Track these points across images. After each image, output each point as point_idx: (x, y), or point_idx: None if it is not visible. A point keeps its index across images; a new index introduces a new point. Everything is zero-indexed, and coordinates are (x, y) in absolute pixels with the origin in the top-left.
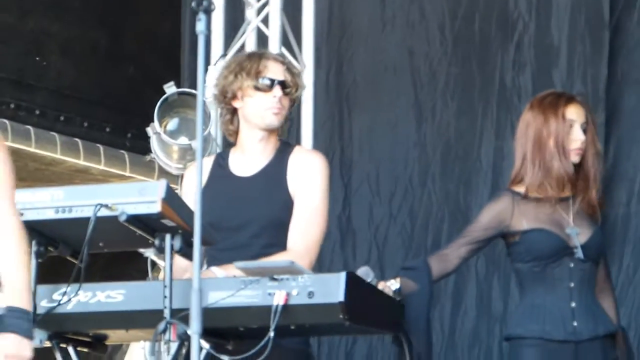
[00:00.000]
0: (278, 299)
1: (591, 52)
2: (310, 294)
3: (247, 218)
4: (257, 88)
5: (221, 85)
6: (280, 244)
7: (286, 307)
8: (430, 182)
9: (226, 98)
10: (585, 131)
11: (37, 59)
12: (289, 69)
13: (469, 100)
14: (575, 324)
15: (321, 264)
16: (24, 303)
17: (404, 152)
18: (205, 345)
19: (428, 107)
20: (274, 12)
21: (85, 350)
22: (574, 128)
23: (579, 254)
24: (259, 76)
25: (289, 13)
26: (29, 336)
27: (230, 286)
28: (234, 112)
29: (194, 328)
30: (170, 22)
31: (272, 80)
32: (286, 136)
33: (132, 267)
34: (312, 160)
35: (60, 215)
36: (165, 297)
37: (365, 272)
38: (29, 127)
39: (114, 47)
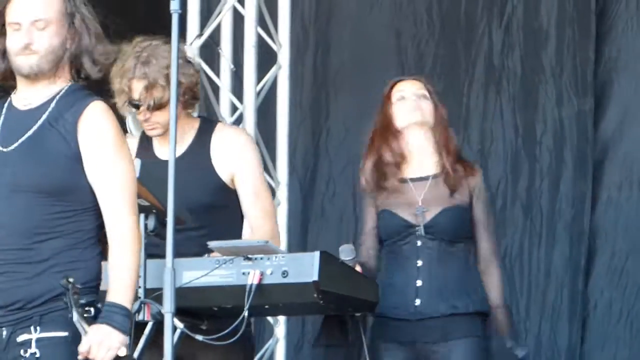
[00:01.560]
0: (252, 278)
1: (579, 36)
2: (285, 273)
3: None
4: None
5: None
6: (210, 226)
7: (260, 287)
8: None
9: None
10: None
11: None
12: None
13: (455, 81)
14: (417, 302)
15: (306, 244)
16: (125, 300)
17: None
18: (179, 325)
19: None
20: None
21: None
22: (403, 97)
23: (421, 231)
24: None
25: None
26: (122, 330)
27: (205, 266)
28: None
29: (167, 307)
30: (146, 3)
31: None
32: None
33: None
34: (239, 139)
35: None
36: (139, 276)
37: (347, 250)
38: None
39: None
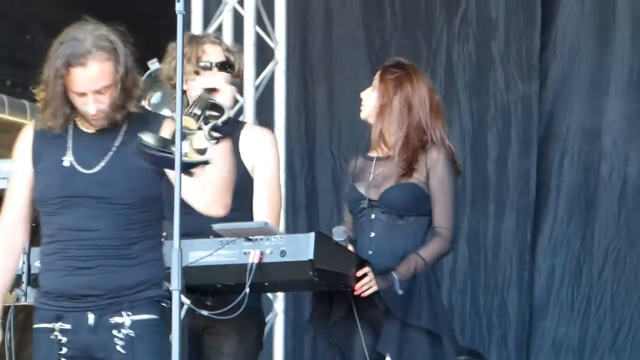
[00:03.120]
0: (253, 258)
1: (525, 25)
2: (283, 253)
3: None
4: (197, 72)
5: (165, 70)
6: (239, 210)
7: (260, 265)
8: None
9: (172, 81)
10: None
11: (28, 37)
12: (228, 49)
13: None
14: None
15: (287, 226)
16: None
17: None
18: (186, 301)
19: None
20: None
21: None
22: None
23: (364, 204)
24: (198, 61)
25: None
26: None
27: (209, 246)
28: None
29: (175, 285)
30: (151, 4)
31: (211, 63)
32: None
33: None
34: (263, 137)
35: None
36: None
37: (340, 232)
38: (24, 101)
39: None
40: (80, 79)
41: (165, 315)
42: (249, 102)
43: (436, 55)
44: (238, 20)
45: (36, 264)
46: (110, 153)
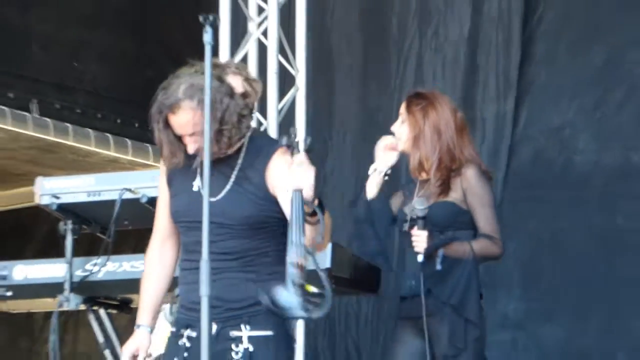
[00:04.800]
0: None
1: (503, 40)
2: None
3: None
4: None
5: None
6: None
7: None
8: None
9: None
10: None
11: (76, 64)
12: (247, 78)
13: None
14: (412, 282)
15: None
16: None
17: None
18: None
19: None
20: (272, 25)
21: (114, 311)
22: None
23: (405, 226)
24: None
25: (285, 26)
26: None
27: None
28: None
29: (204, 291)
30: (185, 33)
31: None
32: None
33: None
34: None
35: (92, 198)
36: None
37: (422, 201)
38: (67, 124)
39: (138, 55)
40: (175, 124)
41: (280, 329)
42: (272, 124)
43: (406, 67)
44: (262, 49)
45: (77, 273)
46: (230, 182)
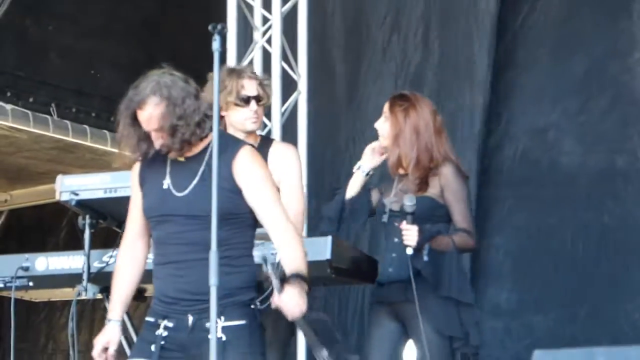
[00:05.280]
0: (278, 257)
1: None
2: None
3: None
4: (236, 104)
5: (208, 97)
6: None
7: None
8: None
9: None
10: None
11: (92, 72)
12: (261, 83)
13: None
14: (390, 270)
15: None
16: (303, 271)
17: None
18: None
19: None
20: (275, 34)
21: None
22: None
23: (386, 217)
24: (238, 95)
25: (288, 35)
26: (306, 292)
27: None
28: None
29: (213, 281)
30: (194, 42)
31: (249, 97)
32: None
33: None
34: (287, 152)
35: (108, 195)
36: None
37: (410, 197)
38: (85, 126)
39: (150, 63)
40: (142, 119)
41: (254, 318)
42: (275, 126)
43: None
44: (266, 56)
45: (95, 264)
46: (197, 178)
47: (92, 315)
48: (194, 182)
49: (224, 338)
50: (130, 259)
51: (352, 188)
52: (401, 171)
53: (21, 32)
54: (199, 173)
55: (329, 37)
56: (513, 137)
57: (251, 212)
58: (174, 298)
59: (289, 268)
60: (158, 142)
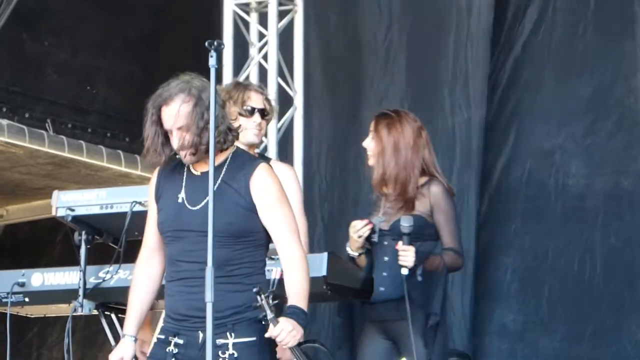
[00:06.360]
0: (275, 274)
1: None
2: None
3: None
4: (241, 114)
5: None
6: None
7: (281, 281)
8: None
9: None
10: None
11: (88, 88)
12: (267, 98)
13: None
14: (381, 289)
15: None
16: (305, 306)
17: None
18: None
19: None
20: (271, 50)
21: (124, 316)
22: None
23: (375, 236)
24: (243, 105)
25: (284, 51)
26: (303, 325)
27: None
28: None
29: (208, 297)
30: (192, 58)
31: (254, 109)
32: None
33: None
34: (287, 172)
35: (104, 211)
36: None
37: (408, 219)
38: (81, 141)
39: (146, 78)
40: (165, 116)
41: (263, 335)
42: (272, 141)
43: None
44: (262, 72)
45: (91, 280)
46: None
47: (85, 331)
48: (210, 195)
49: (235, 355)
50: (146, 273)
51: (362, 264)
52: (384, 189)
53: (17, 47)
54: (215, 186)
55: (334, 52)
56: (520, 158)
57: (265, 231)
58: (185, 315)
59: (290, 297)
60: (178, 142)
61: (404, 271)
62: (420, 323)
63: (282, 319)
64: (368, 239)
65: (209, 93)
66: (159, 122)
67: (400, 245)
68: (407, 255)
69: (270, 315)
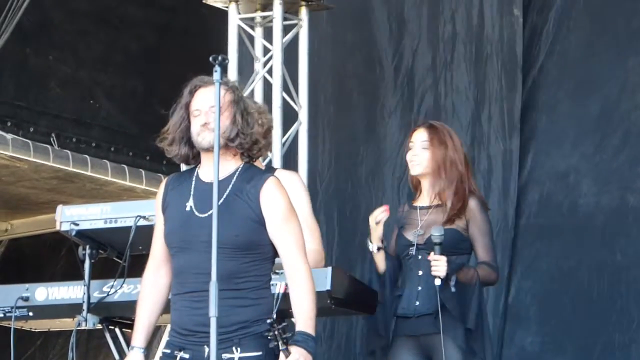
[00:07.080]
0: (279, 289)
1: (507, 89)
2: None
3: None
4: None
5: None
6: None
7: (285, 295)
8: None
9: None
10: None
11: (91, 102)
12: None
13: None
14: (417, 303)
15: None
16: (312, 330)
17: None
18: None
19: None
20: (276, 65)
21: (129, 330)
22: (411, 147)
23: (413, 250)
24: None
25: (288, 65)
26: (312, 352)
27: None
28: None
29: (212, 312)
30: (195, 73)
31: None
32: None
33: None
34: (293, 180)
35: (108, 225)
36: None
37: (439, 229)
38: (86, 156)
39: (150, 93)
40: (200, 95)
41: (268, 350)
42: (276, 156)
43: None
44: (267, 87)
45: (95, 294)
46: (220, 201)
47: (87, 345)
48: (219, 203)
49: None
50: (153, 285)
51: (380, 264)
52: (424, 202)
53: (21, 61)
54: (224, 196)
55: (349, 71)
56: (538, 181)
57: (271, 244)
58: (191, 330)
59: (298, 322)
60: (205, 119)
61: (437, 281)
62: (456, 335)
63: (292, 349)
64: (403, 252)
65: (246, 99)
66: (187, 107)
67: (432, 256)
68: (439, 265)
69: (282, 347)
